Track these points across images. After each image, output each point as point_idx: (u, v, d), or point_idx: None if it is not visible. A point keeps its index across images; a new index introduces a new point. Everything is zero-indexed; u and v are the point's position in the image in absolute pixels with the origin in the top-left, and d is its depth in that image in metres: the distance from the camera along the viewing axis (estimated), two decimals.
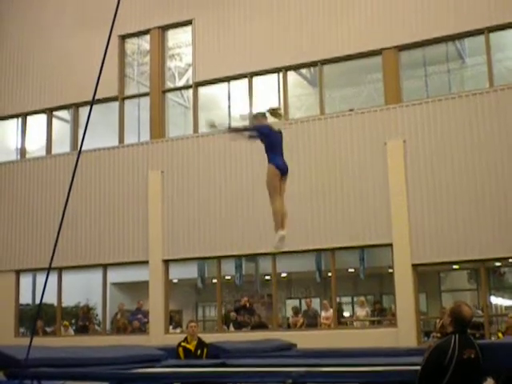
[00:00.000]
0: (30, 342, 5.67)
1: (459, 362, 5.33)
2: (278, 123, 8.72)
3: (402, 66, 15.84)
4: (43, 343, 9.24)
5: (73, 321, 19.55)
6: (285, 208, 8.12)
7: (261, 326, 16.93)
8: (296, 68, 17.16)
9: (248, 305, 17.54)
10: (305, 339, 13.12)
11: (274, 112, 8.76)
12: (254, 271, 20.11)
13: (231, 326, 17.35)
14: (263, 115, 8.58)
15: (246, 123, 17.01)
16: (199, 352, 10.54)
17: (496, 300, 19.77)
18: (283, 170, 8.16)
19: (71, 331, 18.69)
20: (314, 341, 13.51)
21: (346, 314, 20.39)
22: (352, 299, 21.24)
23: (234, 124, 16.16)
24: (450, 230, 14.41)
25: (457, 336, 5.46)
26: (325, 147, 15.77)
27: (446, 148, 14.71)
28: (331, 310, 15.99)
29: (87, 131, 6.48)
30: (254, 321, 17.16)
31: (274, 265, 16.17)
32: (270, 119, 8.69)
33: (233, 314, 17.46)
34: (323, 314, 16.35)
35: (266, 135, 8.28)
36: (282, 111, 9.45)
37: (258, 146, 16.70)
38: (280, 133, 8.46)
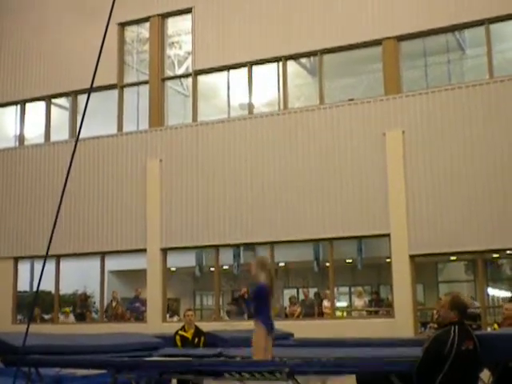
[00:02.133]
0: (27, 328, 5.65)
1: (458, 353, 5.35)
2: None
3: (401, 56, 15.80)
4: (41, 330, 9.26)
5: (70, 308, 19.57)
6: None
7: None
8: (296, 57, 17.11)
9: (246, 295, 17.58)
10: (302, 329, 13.13)
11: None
12: (252, 260, 20.06)
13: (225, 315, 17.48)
14: (265, 265, 7.39)
15: (246, 112, 17.02)
16: (196, 340, 10.57)
17: (493, 291, 19.81)
18: (273, 329, 7.30)
19: (72, 318, 18.71)
20: (311, 330, 13.52)
21: (344, 303, 20.43)
22: (349, 289, 21.26)
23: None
24: (448, 221, 14.42)
25: (456, 327, 5.47)
26: (324, 137, 15.74)
27: (445, 139, 14.69)
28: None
29: (86, 119, 6.45)
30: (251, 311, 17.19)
31: (272, 254, 16.16)
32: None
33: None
34: (325, 303, 16.34)
35: (265, 297, 7.22)
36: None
37: (257, 135, 16.68)
38: (271, 288, 7.35)
